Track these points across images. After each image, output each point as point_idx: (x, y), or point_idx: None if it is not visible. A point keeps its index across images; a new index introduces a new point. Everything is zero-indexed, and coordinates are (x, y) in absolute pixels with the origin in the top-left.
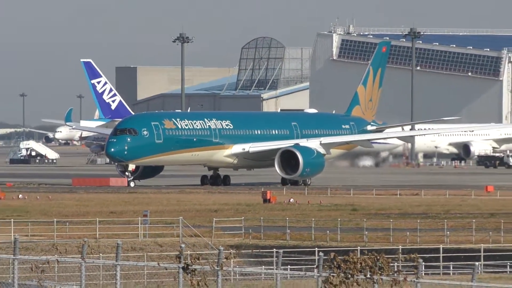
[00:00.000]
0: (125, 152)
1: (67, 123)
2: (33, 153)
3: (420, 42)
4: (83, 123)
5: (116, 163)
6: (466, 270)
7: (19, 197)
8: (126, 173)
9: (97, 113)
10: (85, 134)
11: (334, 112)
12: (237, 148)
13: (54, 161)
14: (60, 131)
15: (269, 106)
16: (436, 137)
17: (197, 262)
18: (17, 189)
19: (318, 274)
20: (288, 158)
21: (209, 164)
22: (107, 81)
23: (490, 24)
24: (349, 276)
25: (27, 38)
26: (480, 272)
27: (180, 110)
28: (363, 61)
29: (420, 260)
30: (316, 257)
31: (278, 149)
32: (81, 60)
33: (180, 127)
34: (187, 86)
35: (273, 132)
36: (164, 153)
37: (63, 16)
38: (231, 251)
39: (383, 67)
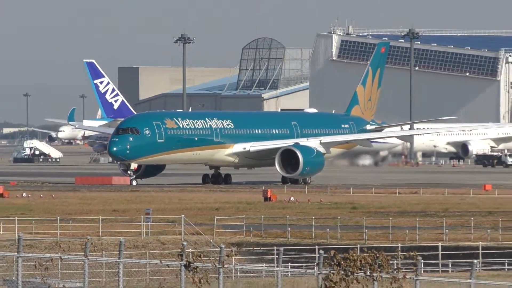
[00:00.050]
0: (127, 151)
1: (70, 123)
2: (37, 152)
3: (419, 42)
4: (86, 122)
5: (118, 162)
6: (465, 267)
7: (23, 195)
8: (129, 172)
9: (99, 112)
10: (87, 133)
11: (333, 111)
12: (238, 147)
13: (58, 160)
14: (63, 131)
15: (269, 106)
16: (435, 136)
17: (199, 259)
18: (21, 187)
19: (319, 272)
20: (288, 157)
21: (210, 163)
22: (110, 81)
23: (488, 25)
24: (349, 273)
25: (30, 39)
26: (479, 269)
27: (181, 110)
28: (362, 61)
29: (419, 258)
30: (316, 255)
31: (278, 148)
32: (84, 60)
33: (181, 126)
34: (189, 86)
35: (274, 132)
36: (165, 152)
37: (67, 17)
38: (232, 248)
39: (382, 67)
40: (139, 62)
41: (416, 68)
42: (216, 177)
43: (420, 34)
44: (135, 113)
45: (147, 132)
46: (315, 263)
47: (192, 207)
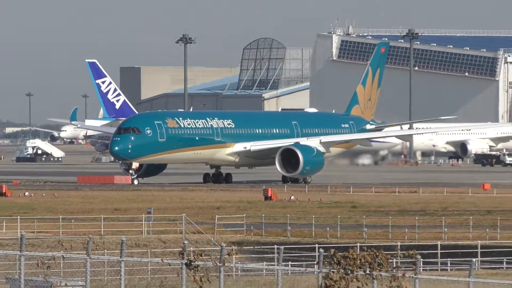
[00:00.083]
0: (129, 151)
1: (72, 122)
2: (39, 152)
3: (418, 43)
4: (88, 122)
5: (120, 161)
6: (464, 266)
7: (26, 194)
8: (130, 171)
9: (101, 112)
10: (89, 133)
11: (333, 111)
12: (239, 146)
13: (60, 159)
14: (65, 130)
15: (270, 106)
16: (434, 136)
17: (200, 258)
18: (24, 186)
19: (319, 270)
20: (288, 157)
21: (211, 163)
22: (112, 81)
23: (487, 25)
24: (349, 272)
25: (33, 39)
26: (477, 268)
27: (182, 110)
28: (362, 61)
29: (418, 257)
30: (317, 254)
31: (278, 148)
32: (86, 60)
33: (182, 126)
34: (190, 86)
35: (274, 131)
36: (167, 151)
37: (70, 17)
38: (233, 247)
39: (382, 67)
40: (140, 62)
41: (416, 68)
42: (217, 176)
43: (420, 34)
44: (137, 112)
45: (148, 131)
46: (315, 262)
47: (193, 206)
